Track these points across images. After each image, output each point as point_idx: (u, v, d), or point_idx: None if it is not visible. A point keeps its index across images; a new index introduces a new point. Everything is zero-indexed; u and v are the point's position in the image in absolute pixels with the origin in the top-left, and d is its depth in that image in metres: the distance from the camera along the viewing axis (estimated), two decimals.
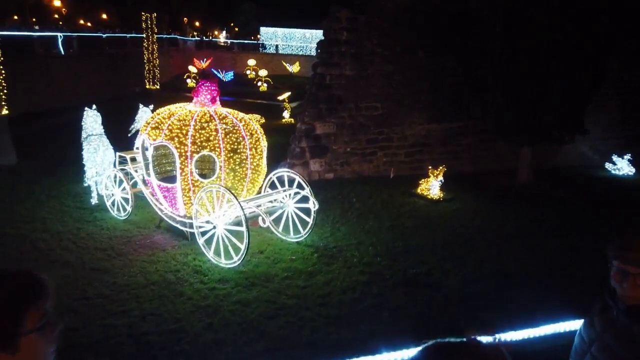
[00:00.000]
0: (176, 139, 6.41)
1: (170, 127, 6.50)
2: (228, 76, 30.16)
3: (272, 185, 7.62)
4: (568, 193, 10.34)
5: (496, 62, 10.33)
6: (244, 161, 6.76)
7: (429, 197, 9.59)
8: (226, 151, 6.55)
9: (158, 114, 6.92)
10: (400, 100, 11.58)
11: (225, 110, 7.04)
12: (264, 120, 15.04)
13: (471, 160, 12.28)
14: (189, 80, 27.25)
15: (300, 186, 7.14)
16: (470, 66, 11.54)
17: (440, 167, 9.74)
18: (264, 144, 7.18)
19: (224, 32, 58.44)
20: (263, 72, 28.16)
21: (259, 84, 27.49)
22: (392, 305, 5.59)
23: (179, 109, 6.94)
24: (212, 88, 7.01)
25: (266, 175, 7.50)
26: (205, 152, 6.46)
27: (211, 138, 6.47)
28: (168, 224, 7.25)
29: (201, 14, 46.52)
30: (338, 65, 11.03)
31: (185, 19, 43.88)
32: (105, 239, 7.04)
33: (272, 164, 10.51)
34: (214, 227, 6.34)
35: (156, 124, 6.68)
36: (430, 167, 9.75)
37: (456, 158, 12.16)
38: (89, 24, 45.37)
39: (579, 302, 5.67)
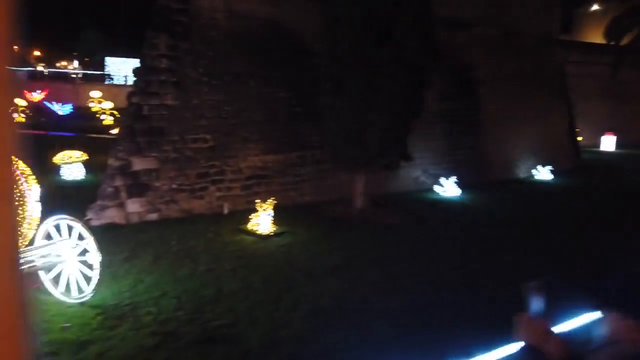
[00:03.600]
0: None
1: None
2: (66, 109, 27.17)
3: (53, 236, 6.31)
4: (398, 218, 10.52)
5: (326, 93, 10.31)
6: None
7: (258, 233, 8.98)
8: None
9: None
10: (232, 132, 10.97)
11: None
12: (86, 157, 13.50)
13: (311, 191, 12.06)
14: (15, 115, 23.94)
15: (81, 236, 5.98)
16: (305, 97, 11.45)
17: (269, 200, 9.23)
18: (28, 186, 5.90)
19: (76, 62, 53.68)
20: (108, 105, 25.90)
21: (103, 117, 25.17)
22: None
23: None
24: None
25: (40, 224, 6.19)
26: None
27: None
28: None
29: (40, 43, 42.17)
30: (157, 95, 10.09)
31: (15, 47, 39.04)
32: None
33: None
34: None
35: None
36: (257, 201, 9.18)
37: (296, 189, 11.85)
38: None
39: (392, 343, 5.43)
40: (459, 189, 13.11)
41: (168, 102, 10.16)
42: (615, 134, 24.90)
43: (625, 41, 16.65)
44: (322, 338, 5.48)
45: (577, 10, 27.82)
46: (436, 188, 13.20)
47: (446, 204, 12.29)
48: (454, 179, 13.23)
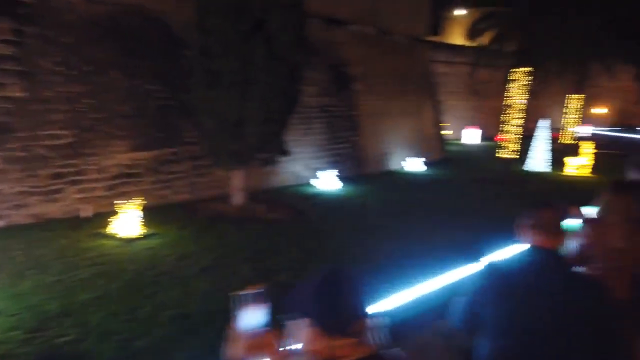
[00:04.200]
0: None
1: None
2: None
3: None
4: (277, 213, 10.44)
5: (199, 86, 9.85)
6: None
7: (122, 236, 8.29)
8: None
9: None
10: (93, 127, 10.03)
11: None
12: None
13: (187, 189, 11.50)
14: None
15: None
16: (178, 89, 10.83)
17: (137, 200, 8.59)
18: None
19: None
20: None
21: None
22: None
23: None
24: None
25: None
26: None
27: None
28: None
29: None
30: (1, 85, 8.85)
31: None
32: None
33: None
34: None
35: None
36: (116, 202, 8.50)
37: (169, 187, 11.21)
38: None
39: None
40: (338, 182, 13.43)
41: (14, 93, 8.95)
42: (480, 128, 27.45)
43: (482, 43, 18.34)
44: (184, 345, 5.17)
45: (444, 14, 30.20)
46: (316, 182, 13.39)
47: (326, 197, 12.50)
48: (334, 172, 13.52)
